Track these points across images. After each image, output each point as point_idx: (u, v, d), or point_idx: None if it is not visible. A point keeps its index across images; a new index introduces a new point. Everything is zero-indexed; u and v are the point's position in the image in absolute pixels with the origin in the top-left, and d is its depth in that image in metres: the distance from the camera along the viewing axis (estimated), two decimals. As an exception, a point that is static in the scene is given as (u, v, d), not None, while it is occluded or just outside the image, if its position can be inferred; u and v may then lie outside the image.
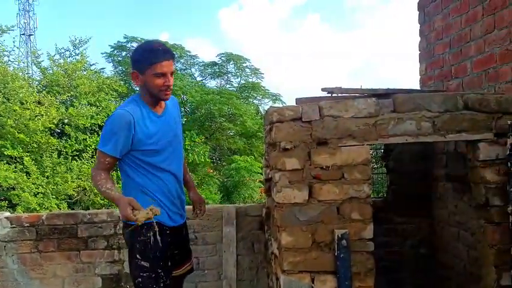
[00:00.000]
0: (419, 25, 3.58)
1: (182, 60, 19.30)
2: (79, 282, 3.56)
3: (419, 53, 3.66)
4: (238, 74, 20.40)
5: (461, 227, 3.04)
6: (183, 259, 2.68)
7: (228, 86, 20.21)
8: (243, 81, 20.31)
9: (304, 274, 2.14)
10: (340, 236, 2.10)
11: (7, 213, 3.67)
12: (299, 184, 2.13)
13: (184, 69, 19.58)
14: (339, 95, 2.36)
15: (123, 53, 18.45)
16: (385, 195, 3.80)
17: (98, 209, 11.49)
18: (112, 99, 15.62)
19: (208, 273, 3.63)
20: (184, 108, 17.94)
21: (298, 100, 2.39)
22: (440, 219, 3.33)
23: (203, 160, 16.93)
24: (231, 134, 19.95)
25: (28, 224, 3.53)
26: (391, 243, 3.55)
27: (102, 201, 10.99)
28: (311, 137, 2.13)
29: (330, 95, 2.38)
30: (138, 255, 2.37)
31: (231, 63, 19.86)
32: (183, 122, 17.51)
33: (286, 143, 2.11)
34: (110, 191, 2.27)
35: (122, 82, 16.57)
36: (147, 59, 2.29)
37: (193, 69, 20.22)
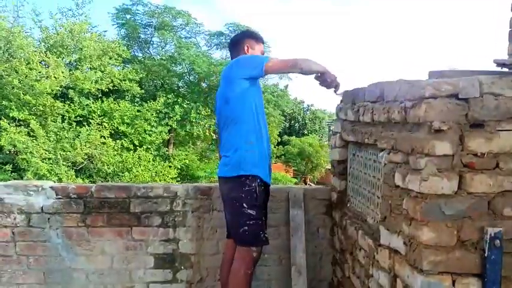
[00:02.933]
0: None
1: (188, 28, 18.62)
2: (129, 260, 3.24)
3: (510, 30, 3.31)
4: (245, 46, 19.78)
5: None
6: None
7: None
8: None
9: (445, 276, 1.85)
10: (493, 234, 1.81)
11: (51, 183, 3.30)
12: (448, 173, 1.82)
13: (189, 38, 18.91)
14: (499, 70, 2.02)
15: (128, 16, 17.73)
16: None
17: (104, 177, 11.05)
18: (116, 64, 15.02)
19: (268, 257, 3.33)
20: (189, 78, 17.40)
21: (432, 73, 2.06)
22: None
23: (207, 134, 16.57)
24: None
25: (75, 196, 3.18)
26: None
27: (108, 170, 10.58)
28: (466, 117, 1.81)
29: (500, 68, 2.05)
30: (244, 204, 2.57)
31: (239, 34, 19.20)
32: (189, 94, 16.95)
33: (439, 123, 1.78)
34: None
35: (125, 47, 15.94)
36: (260, 39, 2.96)
37: (198, 38, 19.53)
